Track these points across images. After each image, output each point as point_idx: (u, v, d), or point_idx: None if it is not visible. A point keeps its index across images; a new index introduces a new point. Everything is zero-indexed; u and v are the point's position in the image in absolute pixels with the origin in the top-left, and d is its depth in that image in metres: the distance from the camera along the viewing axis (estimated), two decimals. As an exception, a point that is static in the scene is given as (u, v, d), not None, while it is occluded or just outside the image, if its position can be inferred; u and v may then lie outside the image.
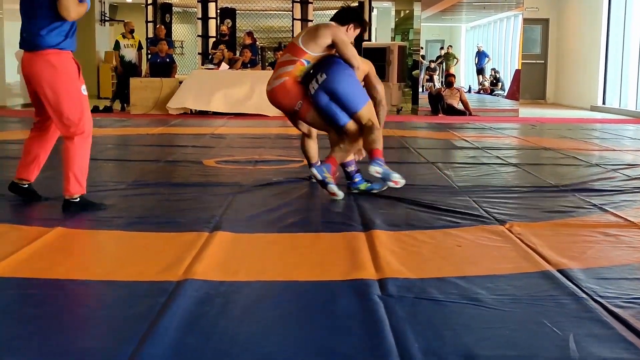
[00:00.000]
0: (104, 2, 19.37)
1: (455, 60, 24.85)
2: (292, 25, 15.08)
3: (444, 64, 24.72)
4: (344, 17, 5.01)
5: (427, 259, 3.43)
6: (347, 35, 4.94)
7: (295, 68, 4.87)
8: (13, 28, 14.67)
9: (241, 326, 2.48)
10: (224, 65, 13.45)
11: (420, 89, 15.10)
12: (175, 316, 2.51)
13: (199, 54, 15.40)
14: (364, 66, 5.08)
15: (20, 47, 4.40)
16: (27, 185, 4.60)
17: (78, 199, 4.32)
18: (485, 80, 24.45)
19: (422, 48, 15.46)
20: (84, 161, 4.36)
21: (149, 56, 14.22)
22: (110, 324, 2.52)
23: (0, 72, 14.58)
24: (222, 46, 14.07)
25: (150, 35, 15.30)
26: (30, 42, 4.28)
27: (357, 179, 5.09)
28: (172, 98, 12.75)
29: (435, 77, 23.95)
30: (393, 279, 2.96)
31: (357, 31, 5.05)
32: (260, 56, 15.92)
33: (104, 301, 2.78)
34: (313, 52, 4.85)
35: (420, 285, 2.91)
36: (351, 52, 4.89)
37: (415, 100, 15.07)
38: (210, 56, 14.09)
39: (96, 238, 3.83)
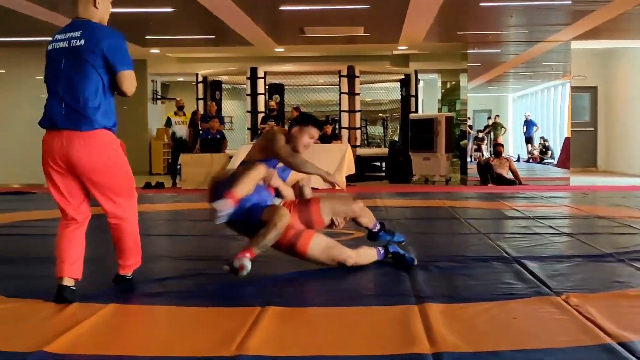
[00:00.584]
0: (156, 81, 19.92)
1: (503, 129, 24.82)
2: (340, 99, 15.26)
3: (491, 133, 24.70)
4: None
5: (483, 332, 3.36)
6: (297, 139, 4.94)
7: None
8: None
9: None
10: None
11: (468, 159, 15.07)
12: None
13: (248, 129, 15.66)
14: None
15: (51, 127, 3.98)
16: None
17: (131, 276, 4.30)
18: (535, 149, 24.31)
19: (469, 118, 15.49)
20: (137, 237, 4.29)
21: (201, 132, 14.51)
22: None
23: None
24: (270, 122, 14.30)
25: (201, 111, 15.64)
26: (75, 119, 3.90)
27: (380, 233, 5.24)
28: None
29: (484, 146, 23.92)
30: (449, 353, 2.91)
31: (311, 132, 4.99)
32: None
33: (159, 377, 2.78)
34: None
35: (477, 359, 2.85)
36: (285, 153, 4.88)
37: (464, 170, 15.04)
38: (259, 131, 14.31)
39: (150, 313, 3.86)
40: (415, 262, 5.02)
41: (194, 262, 5.26)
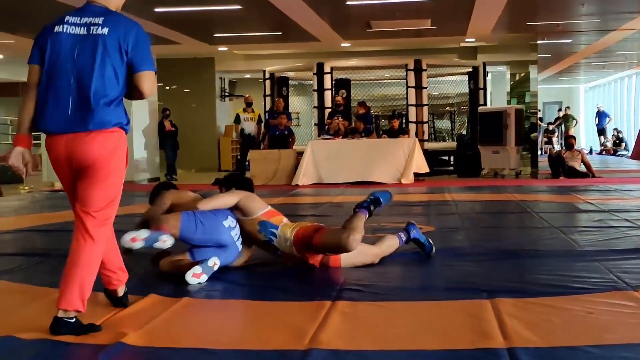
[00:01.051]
0: (224, 79, 20.16)
1: (574, 121, 24.35)
2: (407, 93, 15.17)
3: (562, 125, 24.25)
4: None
5: (558, 327, 3.30)
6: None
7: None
8: (140, 107, 15.49)
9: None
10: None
11: (539, 152, 14.79)
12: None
13: (315, 124, 15.71)
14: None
15: (55, 130, 3.37)
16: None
17: (74, 319, 3.29)
18: (608, 141, 23.78)
19: (539, 110, 15.20)
20: (95, 268, 3.42)
21: (268, 129, 14.64)
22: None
23: (130, 150, 15.25)
24: (336, 118, 14.32)
25: (268, 108, 15.77)
26: (85, 118, 3.33)
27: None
28: (298, 173, 12.96)
29: (554, 139, 23.52)
30: (523, 348, 2.87)
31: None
32: (374, 125, 16.08)
33: (233, 370, 2.82)
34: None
35: (553, 354, 2.81)
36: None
37: (534, 163, 14.77)
38: (326, 127, 14.35)
39: (222, 307, 3.91)
40: (434, 251, 5.07)
41: (264, 257, 5.29)
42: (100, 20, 3.45)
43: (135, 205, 10.30)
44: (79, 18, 3.46)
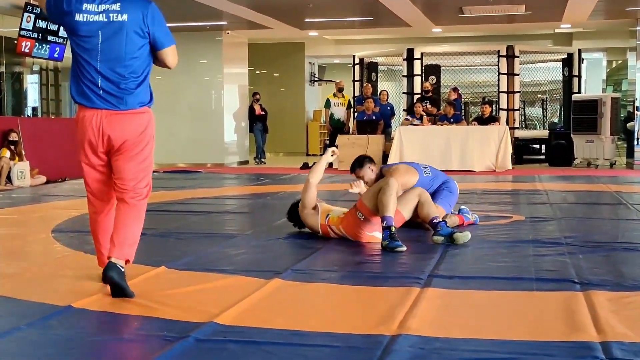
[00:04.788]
0: (314, 64, 20.25)
1: (674, 110, 23.36)
2: (498, 80, 14.90)
3: (661, 115, 23.31)
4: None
5: (655, 323, 3.21)
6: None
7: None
8: (231, 91, 15.73)
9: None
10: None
11: (635, 142, 14.30)
12: (392, 370, 2.52)
13: (403, 110, 15.62)
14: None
15: (88, 104, 3.71)
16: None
17: (123, 268, 3.70)
18: None
19: (637, 99, 14.69)
20: (140, 227, 3.87)
21: (356, 114, 14.63)
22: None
23: (220, 133, 15.60)
24: (425, 104, 14.21)
25: (357, 93, 15.77)
26: (113, 98, 3.69)
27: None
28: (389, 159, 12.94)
29: (652, 129, 22.63)
30: (618, 343, 2.81)
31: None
32: (463, 111, 15.87)
33: (323, 352, 2.84)
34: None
35: (649, 350, 2.73)
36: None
37: (630, 153, 14.29)
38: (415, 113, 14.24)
39: (312, 290, 3.94)
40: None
41: (352, 242, 5.32)
42: (117, 6, 3.66)
43: (225, 187, 10.51)
44: (95, 5, 3.66)
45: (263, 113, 16.50)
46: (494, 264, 4.49)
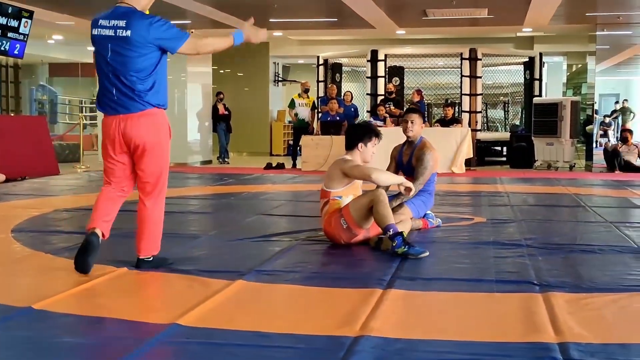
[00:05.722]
0: (278, 64, 20.23)
1: (632, 114, 23.83)
2: (461, 82, 15.04)
3: (619, 118, 23.75)
4: (349, 142, 5.41)
5: (611, 324, 3.28)
6: (365, 152, 5.35)
7: (330, 206, 5.28)
8: (194, 90, 15.64)
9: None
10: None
11: (594, 145, 14.54)
12: (355, 372, 2.55)
13: (367, 111, 15.68)
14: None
15: (107, 112, 4.21)
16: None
17: (152, 259, 4.37)
18: (666, 136, 23.19)
19: (595, 102, 14.93)
20: (161, 222, 4.42)
21: (320, 115, 14.65)
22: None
23: (184, 132, 15.49)
24: (388, 105, 14.29)
25: (321, 94, 15.79)
26: (127, 103, 4.14)
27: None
28: None
29: (610, 132, 23.06)
30: (575, 344, 2.87)
31: (374, 140, 5.41)
32: (427, 113, 15.97)
33: (287, 353, 2.86)
34: (337, 188, 5.29)
35: (606, 351, 2.79)
36: (360, 172, 5.22)
37: (589, 156, 14.54)
38: (377, 114, 14.30)
39: (275, 292, 3.96)
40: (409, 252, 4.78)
41: (316, 243, 5.35)
42: (123, 22, 4.08)
43: (187, 187, 10.45)
44: (107, 21, 4.11)
45: (227, 113, 16.44)
46: (456, 266, 4.54)
